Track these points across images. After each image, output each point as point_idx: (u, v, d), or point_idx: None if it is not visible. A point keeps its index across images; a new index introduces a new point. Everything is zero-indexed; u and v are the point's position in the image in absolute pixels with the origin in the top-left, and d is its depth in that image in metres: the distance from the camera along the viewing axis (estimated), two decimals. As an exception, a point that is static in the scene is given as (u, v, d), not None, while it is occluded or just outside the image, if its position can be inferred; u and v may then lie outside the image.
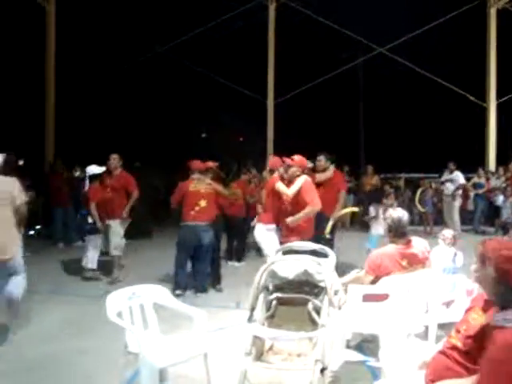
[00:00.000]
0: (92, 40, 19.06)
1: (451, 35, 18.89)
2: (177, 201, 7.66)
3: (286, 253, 4.11)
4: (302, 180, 6.42)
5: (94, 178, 8.49)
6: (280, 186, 6.54)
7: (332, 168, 8.19)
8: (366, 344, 5.10)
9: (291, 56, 19.39)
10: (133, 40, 18.55)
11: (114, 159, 8.41)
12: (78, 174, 12.83)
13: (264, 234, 6.88)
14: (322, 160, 8.13)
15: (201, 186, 7.62)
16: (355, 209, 10.91)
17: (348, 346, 5.06)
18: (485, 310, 2.99)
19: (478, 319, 2.97)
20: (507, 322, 2.23)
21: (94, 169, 8.60)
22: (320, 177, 8.02)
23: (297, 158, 6.65)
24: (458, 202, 13.17)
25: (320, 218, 7.96)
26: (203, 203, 7.51)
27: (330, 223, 7.80)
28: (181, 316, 4.33)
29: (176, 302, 4.36)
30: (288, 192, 6.41)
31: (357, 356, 4.98)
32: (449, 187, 13.20)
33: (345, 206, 8.56)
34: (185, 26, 17.81)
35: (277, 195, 6.63)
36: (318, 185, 7.98)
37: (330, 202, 8.00)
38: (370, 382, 4.20)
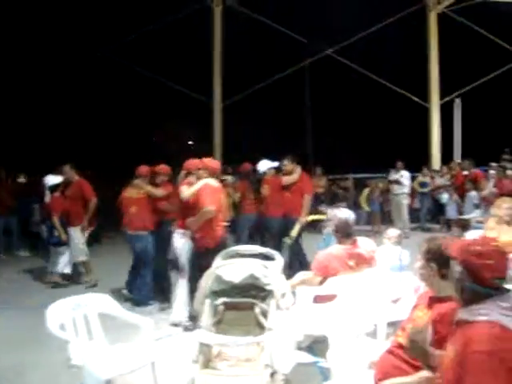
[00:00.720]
0: (33, 42, 18.49)
1: (395, 38, 19.30)
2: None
3: (231, 257, 4.05)
4: (201, 183, 6.09)
5: (53, 188, 8.40)
6: (181, 189, 6.29)
7: (298, 171, 8.14)
8: (317, 345, 5.10)
9: (238, 58, 19.38)
10: (75, 42, 18.11)
11: (67, 172, 8.35)
12: (22, 180, 12.44)
13: (178, 240, 6.42)
14: (287, 164, 8.13)
15: (133, 192, 7.35)
16: (322, 217, 10.77)
17: (299, 348, 5.06)
18: (429, 306, 3.03)
19: (423, 317, 3.01)
20: (479, 316, 2.28)
21: (52, 179, 8.48)
22: (287, 180, 8.03)
23: (206, 160, 6.40)
24: (406, 201, 13.42)
25: (288, 223, 7.92)
26: (133, 210, 7.21)
27: (297, 227, 7.77)
28: (128, 325, 4.22)
29: (122, 311, 4.25)
30: (183, 194, 6.19)
31: (308, 357, 4.98)
32: (396, 186, 13.43)
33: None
34: (128, 28, 17.52)
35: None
36: (285, 188, 8.06)
37: (297, 205, 7.97)
38: (321, 383, 4.18)
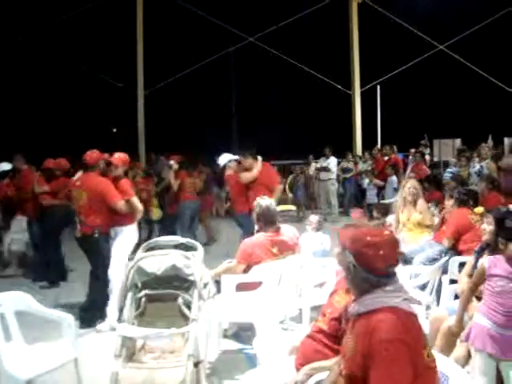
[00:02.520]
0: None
1: (319, 26, 19.59)
2: None
3: (152, 248, 4.00)
4: None
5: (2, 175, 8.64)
6: None
7: (258, 166, 7.40)
8: (244, 332, 5.16)
9: (162, 45, 19.12)
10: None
11: (17, 160, 8.40)
12: None
13: None
14: (244, 161, 7.51)
15: None
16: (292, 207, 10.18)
17: (225, 336, 5.10)
18: (347, 291, 3.12)
19: (342, 301, 3.10)
20: (374, 305, 2.31)
21: (4, 166, 8.71)
22: (245, 178, 7.36)
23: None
24: (333, 187, 13.72)
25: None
26: None
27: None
28: (49, 322, 4.10)
29: (41, 308, 4.11)
30: None
31: (234, 345, 5.04)
32: (324, 173, 13.69)
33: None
34: (51, 13, 16.87)
35: None
36: (246, 185, 7.36)
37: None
38: (247, 369, 4.24)
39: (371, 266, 2.35)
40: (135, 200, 6.16)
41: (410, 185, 6.75)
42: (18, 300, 4.06)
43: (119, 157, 6.36)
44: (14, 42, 17.08)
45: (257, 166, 7.40)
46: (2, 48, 17.29)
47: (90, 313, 5.73)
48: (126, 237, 6.09)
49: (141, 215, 6.46)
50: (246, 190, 7.37)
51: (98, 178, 6.01)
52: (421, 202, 6.61)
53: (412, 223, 6.53)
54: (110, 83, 17.55)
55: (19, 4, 17.74)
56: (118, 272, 5.64)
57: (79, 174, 6.20)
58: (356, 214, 6.81)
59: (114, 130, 25.79)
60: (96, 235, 5.84)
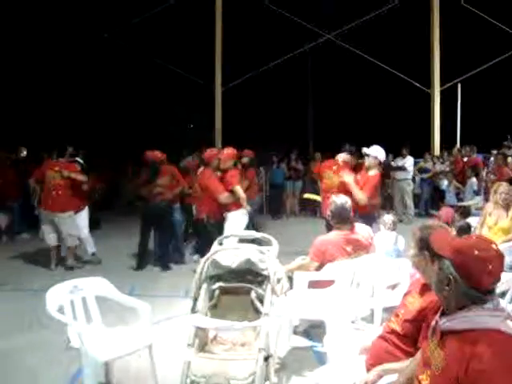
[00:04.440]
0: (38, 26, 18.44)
1: (398, 23, 19.14)
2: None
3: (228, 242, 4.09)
4: None
5: None
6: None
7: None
8: (314, 329, 5.15)
9: (240, 42, 19.32)
10: (78, 25, 18.07)
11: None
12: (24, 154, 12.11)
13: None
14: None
15: None
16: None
17: (295, 332, 5.12)
18: (421, 293, 3.06)
19: (415, 303, 3.04)
20: (474, 324, 2.10)
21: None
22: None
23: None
24: (409, 187, 13.42)
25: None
26: None
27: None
28: (126, 308, 4.27)
29: (119, 295, 4.28)
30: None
31: (304, 342, 5.04)
32: (400, 172, 13.43)
33: None
34: (132, 11, 17.48)
35: None
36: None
37: None
38: (316, 367, 4.24)
39: (476, 282, 2.11)
40: (237, 188, 7.16)
41: (503, 189, 6.53)
42: (98, 285, 4.25)
43: (226, 152, 7.55)
44: (98, 39, 17.82)
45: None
46: (88, 45, 18.13)
47: None
48: (232, 221, 7.09)
49: (245, 201, 7.26)
50: None
51: (207, 174, 7.37)
52: None
53: (498, 228, 6.31)
54: (190, 80, 17.95)
55: (103, 2, 18.47)
56: None
57: (201, 169, 7.77)
58: (444, 212, 6.48)
59: (191, 126, 26.30)
60: (205, 220, 7.23)
